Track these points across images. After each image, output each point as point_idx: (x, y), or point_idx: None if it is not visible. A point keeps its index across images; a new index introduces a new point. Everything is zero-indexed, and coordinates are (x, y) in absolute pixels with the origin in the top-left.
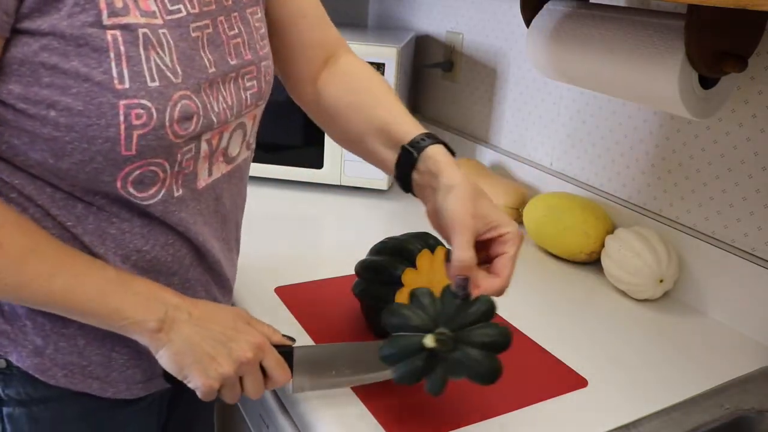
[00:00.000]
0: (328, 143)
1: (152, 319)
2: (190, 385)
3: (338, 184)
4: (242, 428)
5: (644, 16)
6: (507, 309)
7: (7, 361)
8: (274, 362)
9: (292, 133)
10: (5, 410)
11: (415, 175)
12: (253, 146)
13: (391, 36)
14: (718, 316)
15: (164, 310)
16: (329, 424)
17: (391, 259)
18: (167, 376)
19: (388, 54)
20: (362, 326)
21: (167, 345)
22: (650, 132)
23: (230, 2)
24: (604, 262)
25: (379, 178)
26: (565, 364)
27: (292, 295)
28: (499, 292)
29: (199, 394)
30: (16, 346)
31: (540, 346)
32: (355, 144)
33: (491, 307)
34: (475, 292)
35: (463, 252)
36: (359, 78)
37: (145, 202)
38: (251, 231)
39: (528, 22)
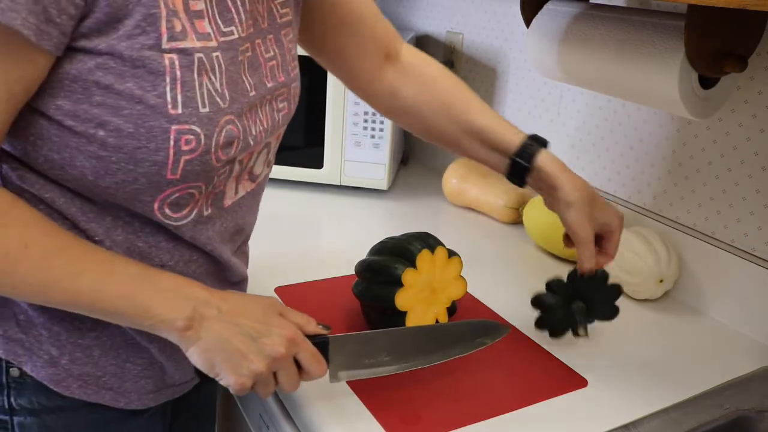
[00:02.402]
0: (328, 143)
1: (180, 318)
2: (222, 383)
3: (338, 184)
4: (242, 428)
5: (644, 16)
6: (507, 309)
7: (21, 370)
8: (309, 355)
9: (292, 134)
10: (16, 419)
11: (528, 179)
12: (273, 163)
13: None
14: (718, 316)
15: (192, 306)
16: (329, 424)
17: (391, 259)
18: (199, 372)
19: None
20: (362, 326)
21: (197, 343)
22: (650, 132)
23: (266, 24)
24: None
25: (379, 178)
26: (565, 364)
27: (292, 295)
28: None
29: (231, 391)
30: (30, 356)
31: (540, 346)
32: (441, 141)
33: (606, 274)
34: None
35: (589, 262)
36: (432, 76)
37: (177, 223)
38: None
39: (528, 22)
